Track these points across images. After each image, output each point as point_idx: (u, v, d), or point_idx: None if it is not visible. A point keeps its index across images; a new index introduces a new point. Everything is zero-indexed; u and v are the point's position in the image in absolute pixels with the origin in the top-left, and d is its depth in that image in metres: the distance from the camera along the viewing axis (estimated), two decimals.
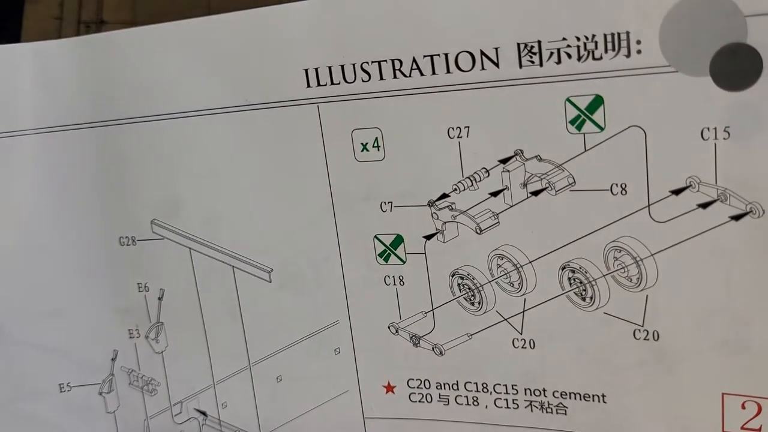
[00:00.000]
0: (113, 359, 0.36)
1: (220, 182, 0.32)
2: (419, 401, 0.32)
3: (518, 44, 0.26)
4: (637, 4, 0.25)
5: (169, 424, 0.36)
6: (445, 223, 0.29)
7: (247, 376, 0.34)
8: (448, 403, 0.32)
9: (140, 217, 0.33)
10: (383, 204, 0.30)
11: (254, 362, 0.34)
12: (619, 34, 0.25)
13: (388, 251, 0.31)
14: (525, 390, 0.30)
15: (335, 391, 0.33)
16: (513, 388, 0.30)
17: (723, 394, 0.27)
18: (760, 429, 0.27)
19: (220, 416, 0.35)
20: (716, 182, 0.25)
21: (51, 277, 0.35)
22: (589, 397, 0.29)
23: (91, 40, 0.32)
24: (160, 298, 0.34)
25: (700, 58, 0.24)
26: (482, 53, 0.27)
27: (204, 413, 0.35)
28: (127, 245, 0.34)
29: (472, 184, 0.29)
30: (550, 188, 0.27)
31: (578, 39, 0.26)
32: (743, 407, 0.27)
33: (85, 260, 0.34)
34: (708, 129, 0.25)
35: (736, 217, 0.25)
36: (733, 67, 0.24)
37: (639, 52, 0.25)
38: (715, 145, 0.25)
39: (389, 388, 0.32)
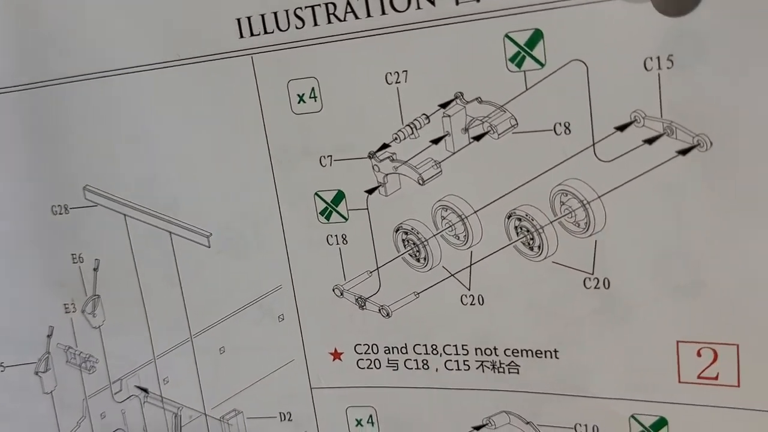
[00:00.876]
0: (49, 336, 0.34)
1: (153, 143, 0.31)
2: (367, 367, 0.31)
3: None
4: None
5: (109, 402, 0.34)
6: (387, 175, 0.28)
7: (189, 349, 0.32)
8: (397, 368, 0.30)
9: (73, 183, 0.32)
10: (323, 158, 0.29)
11: (195, 333, 0.32)
12: None
13: (330, 208, 0.29)
14: (476, 350, 0.29)
15: (280, 361, 0.32)
16: (463, 349, 0.29)
17: (678, 341, 0.26)
18: (717, 377, 0.25)
19: (162, 392, 0.33)
20: (661, 115, 0.24)
21: None
22: (541, 353, 0.28)
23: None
24: (95, 269, 0.33)
25: None
26: None
27: (145, 390, 0.33)
28: (60, 214, 0.32)
29: (413, 132, 0.27)
30: (492, 132, 0.26)
31: None
32: (699, 354, 0.25)
33: (17, 232, 0.33)
34: (651, 59, 0.24)
35: (683, 152, 0.24)
36: None
37: None
38: (659, 75, 0.24)
39: (336, 355, 0.31)
